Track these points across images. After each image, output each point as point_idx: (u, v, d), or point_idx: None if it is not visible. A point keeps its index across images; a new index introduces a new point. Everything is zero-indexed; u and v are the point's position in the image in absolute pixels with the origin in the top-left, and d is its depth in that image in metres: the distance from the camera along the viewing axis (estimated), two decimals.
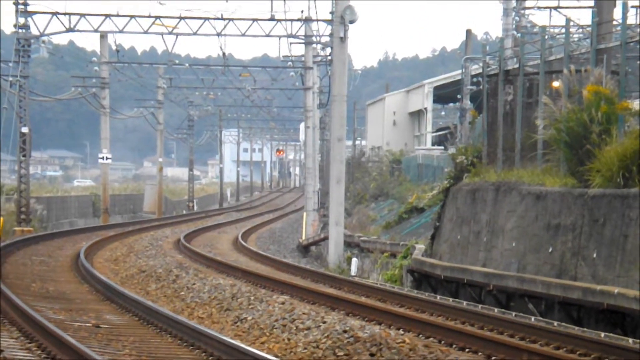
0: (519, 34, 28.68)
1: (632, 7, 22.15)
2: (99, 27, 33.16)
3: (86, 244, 26.35)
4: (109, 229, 35.65)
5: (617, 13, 16.58)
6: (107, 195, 44.18)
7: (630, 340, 11.42)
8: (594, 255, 13.54)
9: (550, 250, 14.69)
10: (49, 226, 37.93)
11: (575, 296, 13.24)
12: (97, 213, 45.73)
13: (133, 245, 27.93)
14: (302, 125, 48.47)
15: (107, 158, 43.70)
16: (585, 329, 12.40)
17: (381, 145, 56.64)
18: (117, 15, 32.98)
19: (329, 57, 31.88)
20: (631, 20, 19.80)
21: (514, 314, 13.82)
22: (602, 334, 11.82)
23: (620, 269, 12.99)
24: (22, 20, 32.84)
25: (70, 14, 32.61)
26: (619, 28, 15.68)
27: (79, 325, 12.94)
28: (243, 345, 10.60)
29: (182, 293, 17.02)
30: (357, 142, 68.50)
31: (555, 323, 12.80)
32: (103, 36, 41.75)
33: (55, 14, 32.61)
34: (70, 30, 32.78)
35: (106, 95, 43.48)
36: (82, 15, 32.75)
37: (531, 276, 14.65)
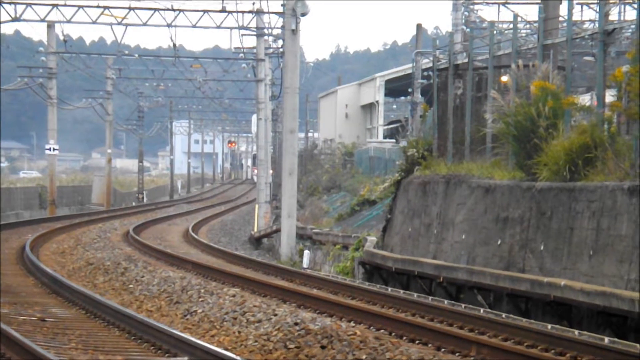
0: (468, 29, 28.97)
1: (577, 4, 22.52)
2: (46, 16, 32.52)
3: (32, 236, 25.86)
4: (55, 221, 35.05)
5: (563, 10, 16.88)
6: (54, 187, 43.44)
7: (576, 331, 11.63)
8: (541, 247, 13.76)
9: (498, 242, 14.88)
10: None
11: (523, 288, 13.43)
12: (44, 205, 44.92)
13: (80, 237, 27.49)
14: (254, 117, 48.24)
15: (54, 149, 42.97)
16: (532, 321, 12.59)
17: (333, 138, 56.75)
18: (65, 5, 32.38)
19: (281, 50, 31.78)
20: (576, 17, 20.14)
21: (463, 305, 13.97)
22: (549, 326, 12.01)
23: (566, 261, 13.22)
24: None
25: (16, 3, 31.90)
26: (565, 24, 15.94)
27: (24, 319, 12.69)
28: (192, 339, 10.51)
29: (131, 286, 16.81)
30: (310, 135, 68.52)
31: (504, 315, 12.98)
32: (50, 26, 40.97)
33: (0, 3, 31.84)
34: (16, 19, 32.06)
35: (53, 86, 42.69)
36: (29, 4, 32.07)
37: (480, 268, 14.82)
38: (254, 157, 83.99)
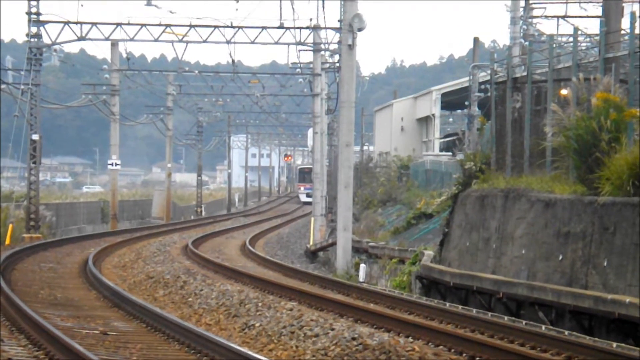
0: (527, 42, 28.65)
1: None
2: (109, 35, 33.37)
3: (94, 250, 26.38)
4: (117, 235, 35.69)
5: (625, 22, 16.57)
6: (115, 201, 44.27)
7: None
8: (605, 263, 13.47)
9: (560, 258, 14.62)
10: (58, 232, 37.99)
11: (586, 305, 13.15)
12: (106, 219, 45.81)
13: (141, 251, 27.94)
14: (310, 131, 48.51)
15: (116, 164, 43.83)
16: (596, 339, 12.31)
17: (389, 151, 56.61)
18: (128, 24, 33.21)
19: (337, 64, 31.91)
20: (639, 29, 19.72)
21: (524, 322, 13.75)
22: (614, 344, 11.73)
23: (631, 278, 12.91)
24: (34, 29, 33.09)
25: (81, 23, 32.88)
26: (627, 37, 15.65)
27: (87, 333, 12.93)
28: (251, 353, 10.57)
29: (190, 299, 17.01)
30: (365, 148, 68.53)
31: (566, 332, 12.72)
32: (114, 44, 41.97)
33: (67, 23, 32.86)
34: (81, 38, 33.03)
35: (116, 102, 43.64)
36: (94, 24, 33.00)
37: (541, 284, 14.57)
38: (300, 172, 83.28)
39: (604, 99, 14.27)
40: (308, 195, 68.82)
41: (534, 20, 32.71)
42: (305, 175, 76.58)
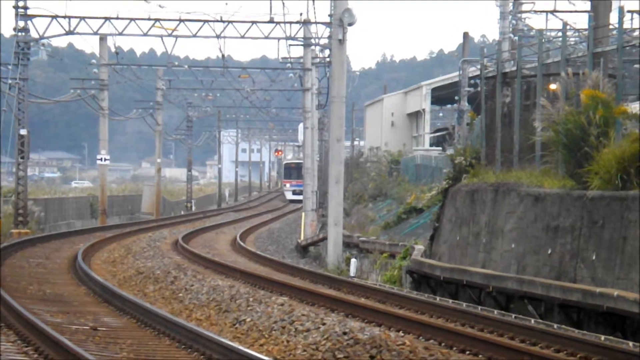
0: (516, 37, 28.72)
1: (628, 11, 22.19)
2: (98, 29, 33.22)
3: (84, 246, 26.31)
4: (106, 231, 35.61)
5: (613, 17, 16.65)
6: (105, 197, 44.17)
7: (631, 343, 11.42)
8: (593, 257, 13.55)
9: (549, 252, 14.69)
10: (47, 228, 37.86)
11: (574, 298, 13.24)
12: (95, 214, 45.69)
13: (131, 246, 27.89)
14: (300, 126, 48.47)
15: (105, 159, 43.72)
16: (585, 332, 12.39)
17: (379, 146, 56.70)
18: (117, 18, 33.04)
19: (328, 59, 31.94)
20: (627, 24, 19.84)
21: (513, 315, 13.82)
22: (602, 337, 11.81)
23: (619, 271, 13.00)
24: (21, 23, 32.89)
25: (70, 17, 32.70)
26: (615, 32, 15.72)
27: (77, 328, 12.92)
28: (242, 348, 10.59)
29: (181, 295, 17.00)
30: (356, 143, 68.54)
31: (555, 325, 12.80)
32: (102, 38, 41.80)
33: (55, 17, 32.68)
34: (69, 32, 32.85)
35: (105, 97, 43.49)
36: (82, 18, 32.84)
37: (530, 278, 14.65)
38: (286, 168, 79.89)
39: (591, 95, 14.33)
40: (295, 193, 65.90)
41: (523, 15, 32.79)
42: (291, 170, 73.23)
